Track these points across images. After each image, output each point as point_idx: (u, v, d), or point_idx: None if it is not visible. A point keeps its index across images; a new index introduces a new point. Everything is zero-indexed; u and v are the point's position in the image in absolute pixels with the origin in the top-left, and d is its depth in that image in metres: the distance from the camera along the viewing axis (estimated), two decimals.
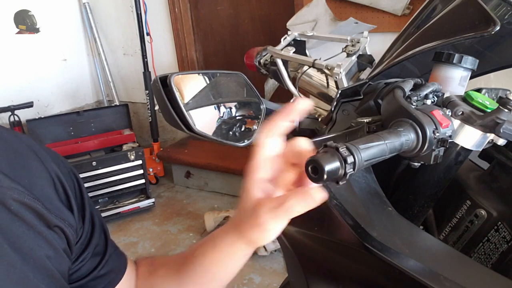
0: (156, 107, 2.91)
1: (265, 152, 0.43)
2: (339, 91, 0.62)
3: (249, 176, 0.44)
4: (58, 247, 0.49)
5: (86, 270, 0.56)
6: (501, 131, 0.49)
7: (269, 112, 0.66)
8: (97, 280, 0.58)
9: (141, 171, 2.67)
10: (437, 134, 0.44)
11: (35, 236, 0.46)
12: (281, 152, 0.44)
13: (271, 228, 0.43)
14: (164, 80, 0.56)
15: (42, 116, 2.73)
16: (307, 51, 0.89)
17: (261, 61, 0.90)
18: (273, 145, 0.44)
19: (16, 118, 2.62)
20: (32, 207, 0.46)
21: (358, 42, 0.79)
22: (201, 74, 0.63)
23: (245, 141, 0.62)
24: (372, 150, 0.40)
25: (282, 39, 0.86)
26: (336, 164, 0.37)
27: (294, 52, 0.81)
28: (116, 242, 0.63)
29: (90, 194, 2.56)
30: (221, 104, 0.63)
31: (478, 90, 0.57)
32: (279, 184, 0.45)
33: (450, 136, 0.45)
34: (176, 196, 2.90)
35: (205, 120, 0.60)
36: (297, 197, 0.41)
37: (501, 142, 0.52)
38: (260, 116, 0.65)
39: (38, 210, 0.47)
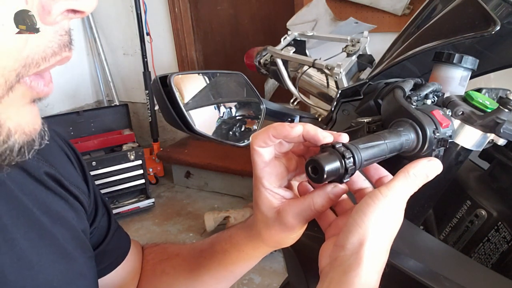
0: (156, 107, 2.91)
1: (263, 160, 0.43)
2: (339, 91, 0.62)
3: (258, 189, 0.44)
4: (78, 209, 0.52)
5: (93, 244, 0.57)
6: (501, 131, 0.49)
7: (269, 112, 0.66)
8: (105, 255, 0.58)
9: (141, 171, 2.66)
10: (437, 134, 0.44)
11: (58, 199, 0.49)
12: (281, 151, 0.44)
13: (301, 230, 0.46)
14: (164, 80, 0.56)
15: (42, 116, 2.69)
16: (307, 51, 0.89)
17: (261, 61, 0.90)
18: (269, 151, 0.43)
19: None
20: (50, 174, 0.49)
21: (358, 42, 0.79)
22: (201, 74, 0.63)
23: (245, 141, 0.62)
24: (372, 149, 0.40)
25: (282, 39, 0.86)
26: (336, 164, 0.37)
27: (294, 52, 0.81)
28: None
29: None
30: (221, 104, 0.63)
31: (478, 90, 0.56)
32: (290, 184, 0.46)
33: (450, 136, 0.45)
34: (176, 196, 2.90)
35: (205, 120, 0.59)
36: (321, 197, 0.41)
37: (501, 142, 0.51)
38: (260, 116, 0.65)
39: (56, 176, 0.50)
